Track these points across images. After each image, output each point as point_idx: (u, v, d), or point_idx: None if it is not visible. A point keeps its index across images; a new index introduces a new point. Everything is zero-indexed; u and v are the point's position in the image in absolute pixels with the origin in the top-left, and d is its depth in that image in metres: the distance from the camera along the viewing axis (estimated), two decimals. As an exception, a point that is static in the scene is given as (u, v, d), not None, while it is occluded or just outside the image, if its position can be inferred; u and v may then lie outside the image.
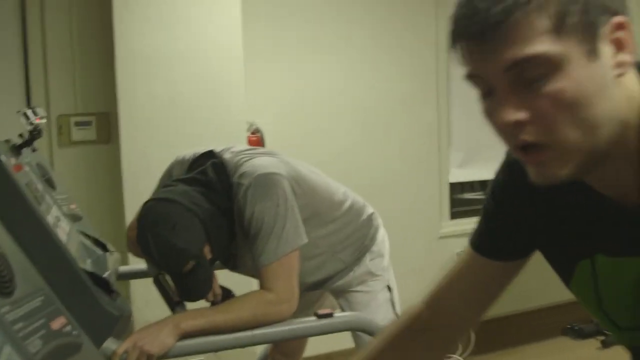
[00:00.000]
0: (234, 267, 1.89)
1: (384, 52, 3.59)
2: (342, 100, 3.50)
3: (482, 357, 3.73)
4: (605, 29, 0.74)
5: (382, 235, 2.08)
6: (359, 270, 1.99)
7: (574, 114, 0.74)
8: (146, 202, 1.69)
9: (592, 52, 0.73)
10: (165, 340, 1.54)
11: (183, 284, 1.67)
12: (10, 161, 1.75)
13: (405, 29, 3.64)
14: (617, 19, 0.75)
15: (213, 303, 1.78)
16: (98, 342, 1.51)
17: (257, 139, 3.11)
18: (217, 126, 2.90)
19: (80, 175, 3.00)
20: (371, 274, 2.03)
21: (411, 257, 3.63)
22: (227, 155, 1.79)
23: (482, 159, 3.82)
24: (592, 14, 0.73)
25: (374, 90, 3.58)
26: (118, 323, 1.53)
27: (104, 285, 1.67)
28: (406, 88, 3.66)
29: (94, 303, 1.49)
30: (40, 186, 1.94)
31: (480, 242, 1.05)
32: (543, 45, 0.72)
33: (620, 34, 0.75)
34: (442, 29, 3.63)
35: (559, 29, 0.72)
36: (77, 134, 2.97)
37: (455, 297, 1.09)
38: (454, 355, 3.64)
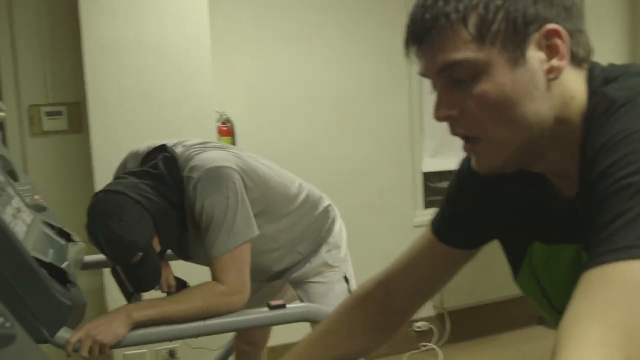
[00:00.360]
0: (187, 257, 1.92)
1: (354, 42, 3.61)
2: (314, 90, 3.53)
3: (457, 345, 3.78)
4: (536, 37, 0.80)
5: (338, 226, 2.11)
6: (315, 262, 2.03)
7: (499, 114, 0.81)
8: (96, 194, 1.72)
9: (517, 59, 0.79)
10: (117, 329, 1.57)
11: (132, 274, 1.71)
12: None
13: (375, 17, 3.66)
14: (549, 26, 0.80)
15: (168, 294, 1.82)
16: (51, 331, 1.55)
17: (227, 129, 3.14)
18: (187, 116, 2.92)
19: (51, 164, 3.02)
20: (328, 265, 2.07)
21: (385, 246, 3.65)
22: (178, 149, 1.82)
23: (455, 148, 3.82)
24: (517, 24, 0.79)
25: (345, 79, 3.60)
26: (71, 313, 1.56)
27: (61, 275, 1.70)
28: (377, 77, 3.68)
29: (47, 293, 1.52)
30: (1, 178, 1.97)
31: (440, 228, 1.09)
32: (465, 53, 0.79)
33: (552, 41, 0.80)
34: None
35: (481, 37, 0.79)
36: (48, 123, 2.99)
37: (409, 281, 1.12)
38: (430, 344, 3.69)
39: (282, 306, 1.69)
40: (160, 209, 1.71)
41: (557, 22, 0.81)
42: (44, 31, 2.98)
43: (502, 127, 0.81)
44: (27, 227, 1.85)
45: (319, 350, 1.17)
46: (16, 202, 1.96)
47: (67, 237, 2.08)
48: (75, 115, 3.02)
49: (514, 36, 0.79)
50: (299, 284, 2.06)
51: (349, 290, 2.11)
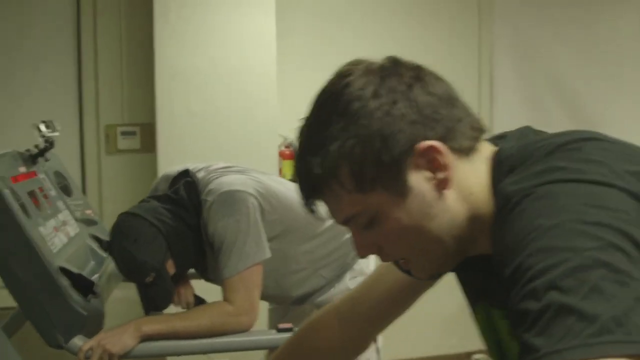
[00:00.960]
0: (207, 279, 1.99)
1: (421, 57, 3.58)
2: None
3: None
4: (411, 161, 0.79)
5: None
6: (339, 287, 2.04)
7: (409, 243, 0.83)
8: (119, 215, 1.82)
9: (402, 192, 0.79)
10: (126, 341, 1.66)
11: (145, 294, 1.79)
12: (20, 170, 1.95)
13: (449, 32, 3.63)
14: (420, 146, 0.78)
15: None
16: (66, 338, 1.66)
17: (290, 153, 3.21)
18: (250, 139, 3.03)
19: (125, 181, 3.21)
20: None
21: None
22: (200, 174, 1.89)
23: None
24: (385, 161, 0.78)
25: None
26: (86, 323, 1.67)
27: (87, 286, 1.81)
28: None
29: (64, 302, 1.64)
30: (53, 192, 2.13)
31: None
32: (353, 207, 0.81)
33: (430, 157, 0.79)
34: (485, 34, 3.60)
35: (360, 187, 0.80)
36: (122, 142, 3.19)
37: (369, 308, 1.13)
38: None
39: (290, 329, 1.72)
40: (176, 232, 1.79)
41: (425, 137, 0.78)
42: (123, 56, 3.20)
43: (419, 250, 0.83)
44: (68, 239, 1.99)
45: None
46: (64, 215, 2.11)
47: (114, 250, 2.22)
48: (148, 135, 3.20)
49: (389, 173, 0.79)
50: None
51: (376, 344, 2.07)
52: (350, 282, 2.05)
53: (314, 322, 1.22)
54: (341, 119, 0.79)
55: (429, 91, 0.81)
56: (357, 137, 0.78)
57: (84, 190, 3.11)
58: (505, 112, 3.67)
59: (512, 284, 0.67)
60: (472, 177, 0.82)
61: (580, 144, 0.75)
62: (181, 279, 1.93)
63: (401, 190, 0.79)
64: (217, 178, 1.82)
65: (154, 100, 2.97)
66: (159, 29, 2.93)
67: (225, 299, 1.76)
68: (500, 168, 0.80)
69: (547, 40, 3.69)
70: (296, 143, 0.86)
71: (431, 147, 0.78)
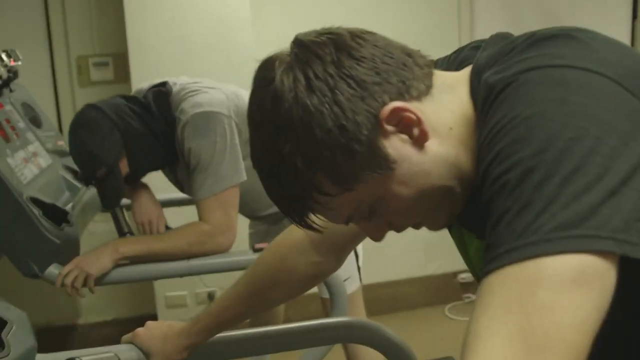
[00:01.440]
0: (178, 183, 1.98)
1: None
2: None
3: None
4: (380, 133, 0.73)
5: None
6: None
7: (418, 209, 0.78)
8: (83, 106, 1.83)
9: (387, 165, 0.74)
10: (104, 262, 1.66)
11: (98, 189, 1.80)
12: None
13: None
14: (384, 113, 0.73)
15: None
16: (41, 267, 1.66)
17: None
18: (225, 65, 2.96)
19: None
20: None
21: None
22: (176, 88, 1.86)
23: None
24: (357, 148, 0.72)
25: (391, 31, 3.49)
26: (59, 250, 1.67)
27: (60, 215, 1.80)
28: (426, 28, 3.55)
29: (36, 231, 1.63)
30: (21, 124, 2.09)
31: None
32: (348, 207, 0.77)
33: (397, 119, 0.74)
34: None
35: (346, 186, 0.74)
36: (95, 74, 3.12)
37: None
38: (473, 295, 3.61)
39: (266, 250, 1.72)
40: (137, 133, 1.77)
41: (382, 104, 0.73)
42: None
43: (431, 210, 0.79)
44: (40, 170, 1.97)
45: (263, 302, 1.21)
46: (34, 147, 2.08)
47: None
48: (121, 65, 3.13)
49: (367, 158, 0.73)
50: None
51: (357, 261, 2.07)
52: None
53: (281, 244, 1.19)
54: (290, 134, 0.72)
55: (359, 57, 0.74)
56: (317, 144, 0.72)
57: (59, 124, 3.06)
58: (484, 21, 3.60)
59: (485, 178, 0.65)
60: (442, 112, 0.77)
61: (565, 34, 0.71)
62: (135, 182, 1.93)
63: (386, 165, 0.74)
64: (191, 96, 1.79)
65: (125, 30, 2.89)
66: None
67: (201, 219, 1.76)
68: (479, 73, 0.75)
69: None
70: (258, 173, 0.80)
71: (394, 110, 0.73)
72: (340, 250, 1.14)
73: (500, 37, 0.80)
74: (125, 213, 2.03)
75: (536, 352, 0.54)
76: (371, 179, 0.74)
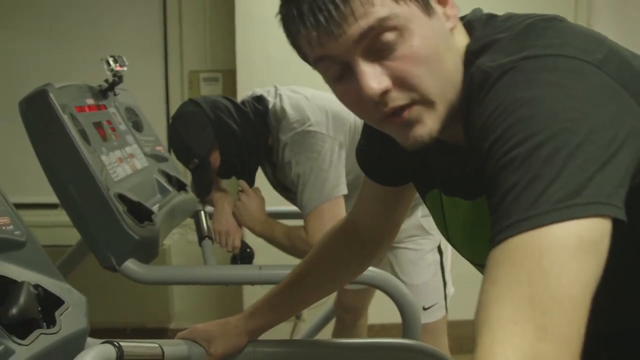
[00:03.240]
0: (283, 188, 2.06)
1: None
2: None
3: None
4: None
5: None
6: (408, 223, 1.96)
7: (430, 69, 0.77)
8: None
9: (429, 9, 0.78)
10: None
11: (192, 178, 1.94)
12: (87, 101, 2.01)
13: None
14: None
15: (233, 255, 1.94)
16: (119, 261, 1.71)
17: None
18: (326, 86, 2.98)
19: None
20: (422, 230, 2.00)
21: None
22: (274, 103, 1.95)
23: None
24: None
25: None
26: (137, 246, 1.71)
27: (145, 214, 1.85)
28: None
29: (117, 225, 1.68)
30: (122, 127, 2.19)
31: (366, 165, 1.14)
32: (386, 9, 0.75)
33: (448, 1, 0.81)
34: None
35: None
36: (205, 89, 3.24)
37: (364, 213, 1.21)
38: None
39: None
40: (231, 132, 1.87)
41: None
42: (206, 1, 3.23)
43: (436, 82, 0.78)
44: (134, 171, 2.04)
45: (304, 289, 1.30)
46: (132, 149, 2.16)
47: (182, 187, 2.25)
48: (230, 82, 3.23)
49: None
50: (391, 247, 2.02)
51: (442, 263, 2.02)
52: (423, 219, 1.99)
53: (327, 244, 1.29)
54: None
55: None
56: None
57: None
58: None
59: (490, 157, 0.68)
60: (460, 38, 0.84)
61: (551, 24, 0.77)
62: (223, 178, 2.04)
63: (428, 8, 0.78)
64: (291, 114, 1.87)
65: (235, 47, 2.98)
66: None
67: (304, 227, 1.87)
68: (475, 45, 0.81)
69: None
70: None
71: None
72: (379, 237, 1.25)
73: (487, 17, 0.85)
74: (209, 220, 2.07)
75: (545, 313, 0.58)
76: (413, 6, 0.77)
